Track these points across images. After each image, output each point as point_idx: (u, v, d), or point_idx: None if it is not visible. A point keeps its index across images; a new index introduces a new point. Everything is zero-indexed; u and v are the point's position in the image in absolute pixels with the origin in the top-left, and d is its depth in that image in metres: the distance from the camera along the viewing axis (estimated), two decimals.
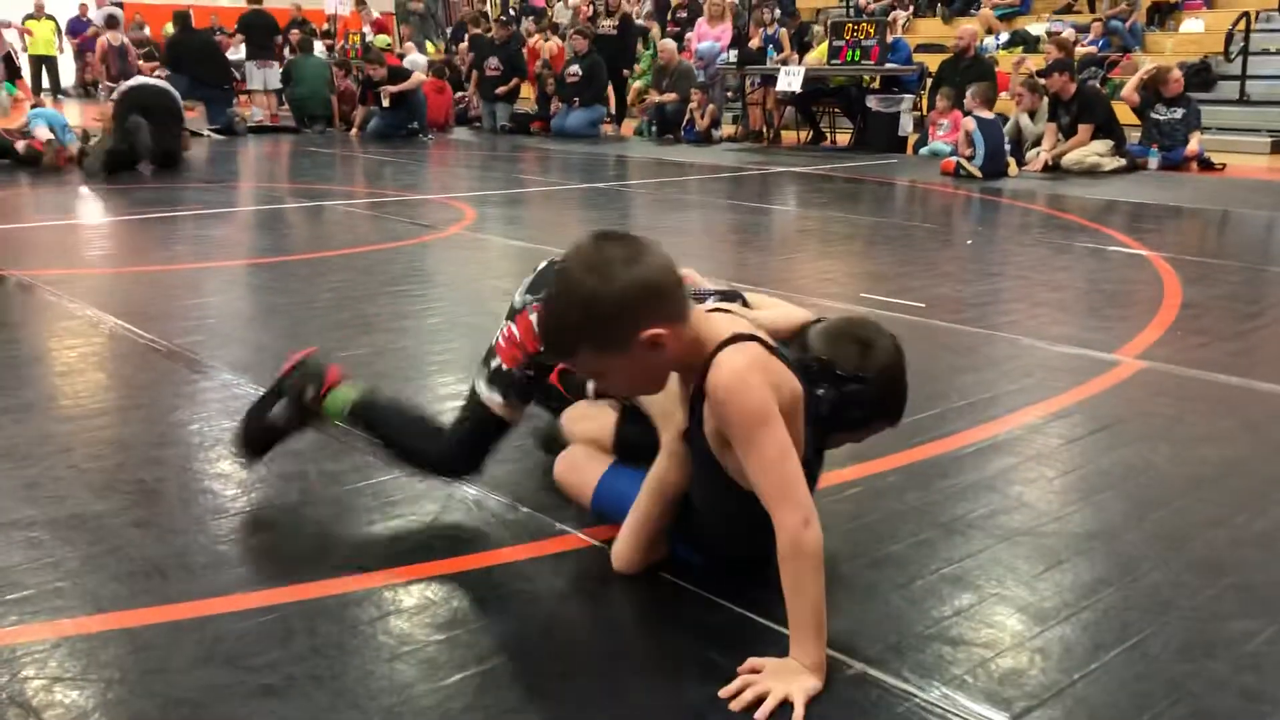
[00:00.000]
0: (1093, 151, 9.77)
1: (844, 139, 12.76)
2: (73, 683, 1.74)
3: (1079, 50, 12.73)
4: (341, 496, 2.48)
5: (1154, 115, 10.28)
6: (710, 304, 2.13)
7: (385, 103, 13.15)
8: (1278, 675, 1.80)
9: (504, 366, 2.24)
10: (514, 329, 2.24)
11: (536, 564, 2.17)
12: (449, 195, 7.94)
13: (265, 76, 14.67)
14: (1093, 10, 14.86)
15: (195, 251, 5.77)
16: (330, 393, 2.41)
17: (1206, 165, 10.14)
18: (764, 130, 13.30)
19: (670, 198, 8.42)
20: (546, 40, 15.55)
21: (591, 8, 16.93)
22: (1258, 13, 12.99)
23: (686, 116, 13.23)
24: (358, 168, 10.48)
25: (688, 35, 15.17)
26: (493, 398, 2.25)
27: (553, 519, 2.34)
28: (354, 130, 13.71)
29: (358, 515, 2.39)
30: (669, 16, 16.63)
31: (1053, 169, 9.79)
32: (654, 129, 13.73)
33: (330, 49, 17.26)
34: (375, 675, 1.77)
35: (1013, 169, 9.58)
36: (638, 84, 14.55)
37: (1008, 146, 9.74)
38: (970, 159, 9.34)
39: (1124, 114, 10.37)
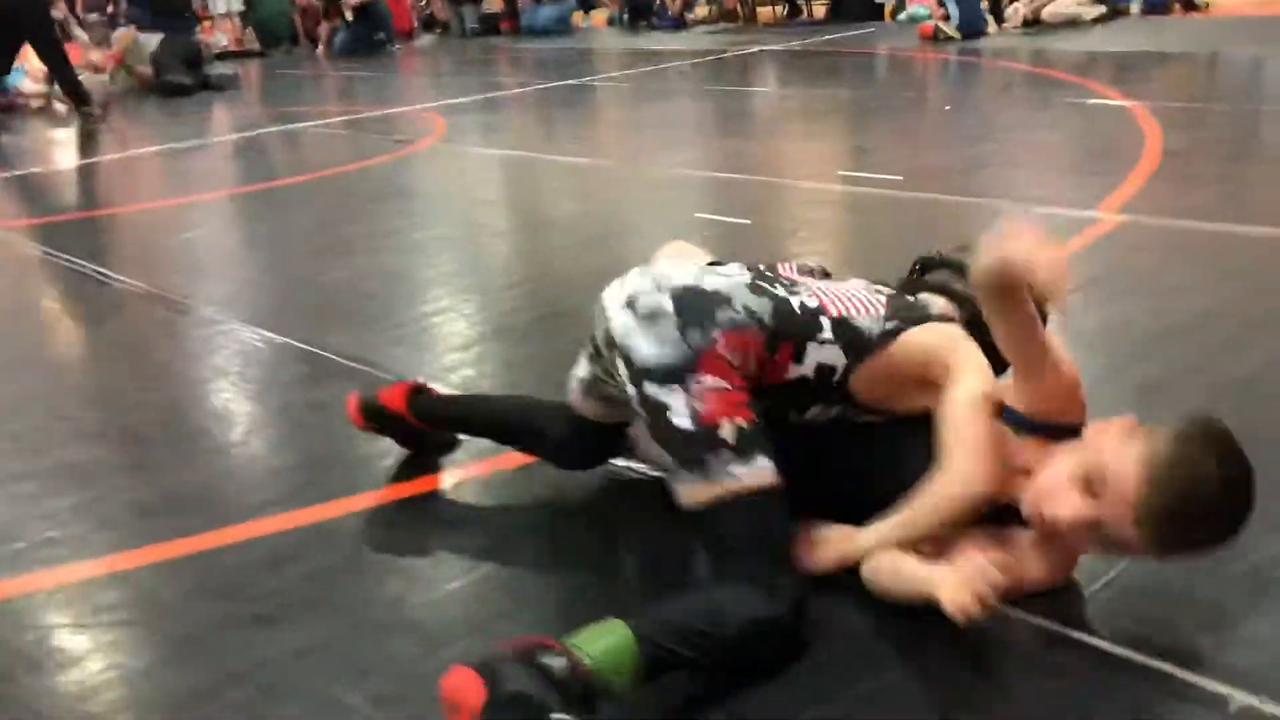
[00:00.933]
0: (1072, 1, 9.56)
1: (820, 11, 12.48)
2: (72, 629, 1.78)
3: None
4: (327, 424, 2.49)
5: None
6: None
7: (348, 16, 12.86)
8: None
9: (738, 421, 1.60)
10: (704, 379, 1.62)
11: (521, 472, 2.19)
12: (420, 106, 7.81)
13: (228, 1, 14.35)
14: None
15: (168, 187, 5.72)
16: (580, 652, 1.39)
17: (1190, 5, 9.91)
18: (738, 9, 13.00)
19: (647, 88, 8.27)
20: None
21: None
22: None
23: (658, 1, 12.92)
24: (327, 86, 10.30)
25: None
26: (745, 472, 1.59)
27: None
28: (321, 48, 13.43)
29: (344, 442, 2.41)
30: None
31: (1033, 24, 9.58)
32: (625, 18, 13.43)
33: None
34: (367, 594, 1.81)
35: (992, 27, 9.39)
36: None
37: (985, 4, 9.52)
38: (946, 20, 9.15)
39: None
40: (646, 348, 1.66)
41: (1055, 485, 1.53)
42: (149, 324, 3.35)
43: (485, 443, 2.25)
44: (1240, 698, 1.41)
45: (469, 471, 2.21)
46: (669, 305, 1.68)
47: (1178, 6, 9.94)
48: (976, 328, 1.69)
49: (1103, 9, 9.64)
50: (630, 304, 1.71)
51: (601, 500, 2.07)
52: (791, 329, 1.71)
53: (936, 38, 9.12)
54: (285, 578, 1.87)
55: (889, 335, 1.73)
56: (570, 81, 8.85)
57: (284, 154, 6.70)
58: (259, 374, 2.85)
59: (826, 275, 2.00)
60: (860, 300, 1.78)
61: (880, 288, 1.87)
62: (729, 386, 1.62)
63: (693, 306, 1.68)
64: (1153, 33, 8.64)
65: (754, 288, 1.74)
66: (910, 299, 1.85)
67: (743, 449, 1.59)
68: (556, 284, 3.47)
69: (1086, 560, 1.67)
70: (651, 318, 1.67)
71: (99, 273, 3.89)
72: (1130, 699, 1.45)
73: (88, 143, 7.50)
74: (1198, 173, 4.16)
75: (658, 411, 1.63)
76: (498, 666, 1.32)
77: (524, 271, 3.77)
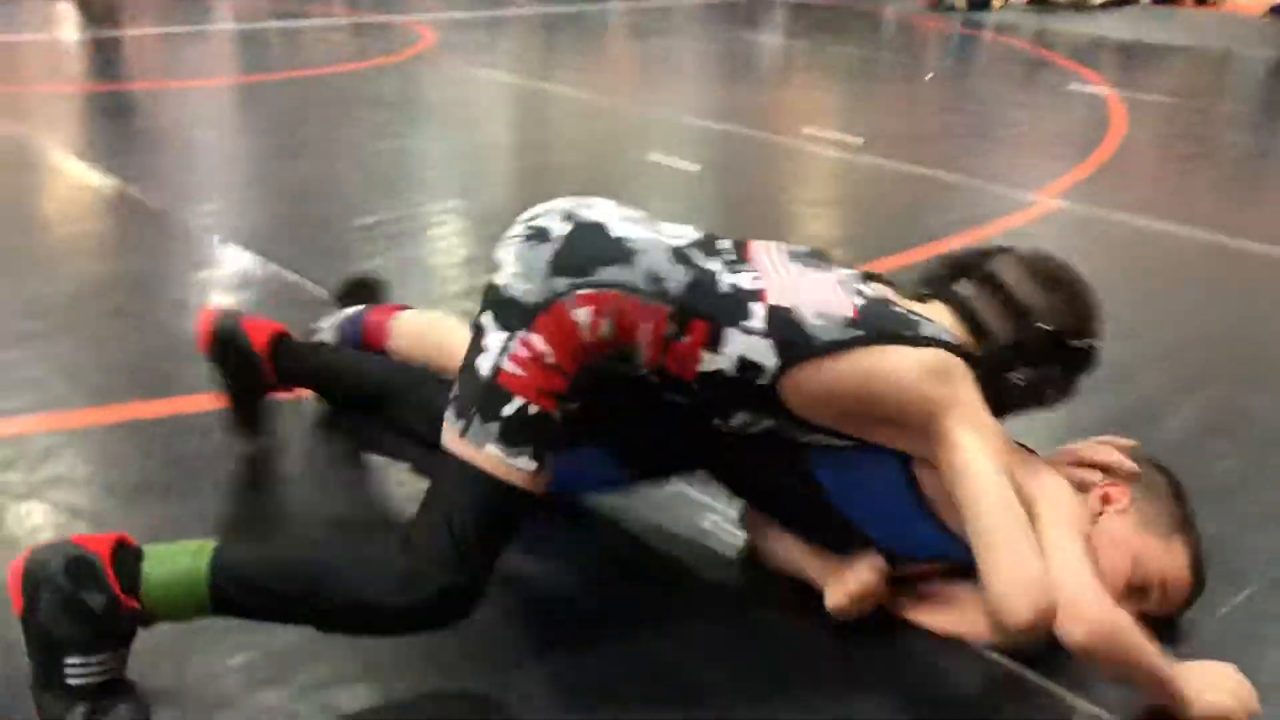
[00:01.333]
0: None
1: None
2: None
3: None
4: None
5: None
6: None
7: None
8: None
9: (530, 407, 1.38)
10: (534, 339, 1.39)
11: None
12: (409, 16, 7.78)
13: None
14: None
15: (145, 72, 5.72)
16: (142, 574, 1.31)
17: (1200, 0, 9.87)
18: None
19: (647, 25, 8.24)
20: None
21: None
22: None
23: None
24: None
25: None
26: (512, 461, 1.37)
27: None
28: None
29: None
30: None
31: (1041, 1, 9.53)
32: None
33: None
34: (285, 469, 1.90)
35: (997, 1, 9.34)
36: None
37: None
38: None
39: None
40: (510, 266, 1.45)
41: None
42: (94, 206, 3.40)
43: None
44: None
45: None
46: (559, 233, 1.44)
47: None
48: (991, 369, 1.47)
49: None
50: (531, 218, 1.50)
51: None
52: (707, 307, 1.42)
53: (941, 5, 9.08)
54: (198, 448, 1.95)
55: (840, 345, 1.41)
56: (572, 8, 8.80)
57: (250, 53, 6.67)
58: (195, 269, 2.91)
59: (823, 260, 1.57)
60: (825, 296, 1.46)
61: (872, 286, 1.54)
62: (551, 362, 1.39)
63: (580, 248, 1.43)
64: (1156, 23, 8.61)
65: (678, 254, 1.46)
66: (903, 310, 1.49)
67: (512, 437, 1.37)
68: (493, 208, 3.53)
69: None
70: (535, 238, 1.45)
71: (55, 152, 3.94)
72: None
73: (82, 18, 7.46)
74: (1142, 168, 4.22)
75: (476, 338, 1.44)
76: (41, 581, 1.26)
77: (463, 190, 3.82)
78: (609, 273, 1.41)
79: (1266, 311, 2.77)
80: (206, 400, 1.99)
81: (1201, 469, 2.01)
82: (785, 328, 1.42)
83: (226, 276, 2.84)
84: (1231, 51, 7.43)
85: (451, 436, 1.39)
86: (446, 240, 3.22)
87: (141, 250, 3.00)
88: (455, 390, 1.43)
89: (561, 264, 1.41)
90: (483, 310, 1.45)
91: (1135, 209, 3.60)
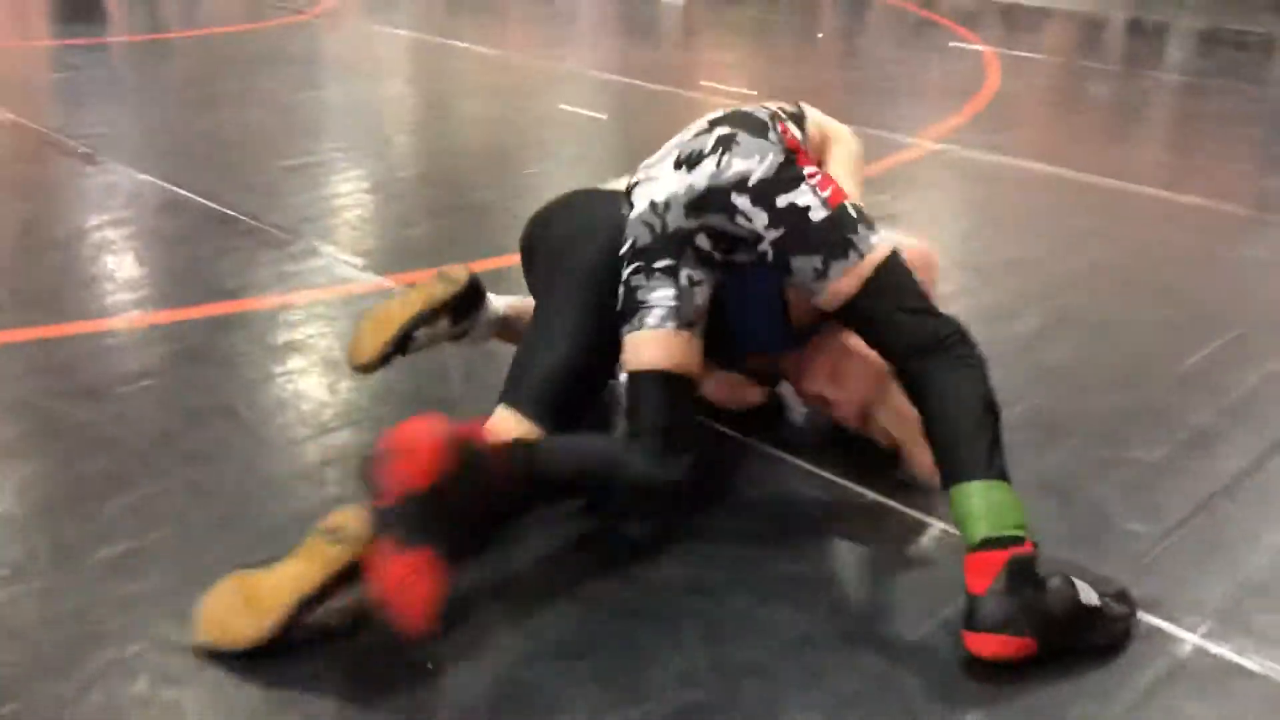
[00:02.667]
0: None
1: None
2: None
3: None
4: (174, 248, 2.74)
5: None
6: None
7: None
8: None
9: (847, 200, 1.69)
10: (804, 168, 1.68)
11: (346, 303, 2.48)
12: None
13: None
14: None
15: (55, 28, 5.73)
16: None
17: None
18: None
19: None
20: None
21: None
22: None
23: None
24: None
25: None
26: (878, 239, 1.67)
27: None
28: None
29: (185, 261, 2.66)
30: None
31: None
32: None
33: None
34: (188, 379, 2.10)
35: None
36: None
37: None
38: None
39: None
40: (750, 165, 1.66)
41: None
42: (14, 150, 3.52)
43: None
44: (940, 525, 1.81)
45: (318, 294, 2.50)
46: (726, 129, 1.70)
47: None
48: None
49: None
50: (688, 159, 1.71)
51: None
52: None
53: None
54: (117, 364, 2.15)
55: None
56: None
57: (171, 7, 6.70)
58: (117, 202, 3.07)
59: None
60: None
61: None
62: (818, 169, 1.69)
63: (743, 120, 1.71)
64: None
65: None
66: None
67: (867, 219, 1.68)
68: (409, 151, 3.73)
69: None
70: (727, 143, 1.68)
71: None
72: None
73: None
74: (1014, 116, 4.59)
75: (798, 215, 1.64)
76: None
77: (379, 136, 4.01)
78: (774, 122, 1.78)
79: (1108, 230, 3.14)
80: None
81: (1042, 354, 2.36)
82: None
83: (155, 208, 3.01)
84: (1098, 14, 7.90)
85: (850, 278, 1.63)
86: (367, 180, 3.41)
87: (67, 187, 3.15)
88: (814, 265, 1.64)
89: (757, 131, 1.71)
90: (774, 215, 1.65)
91: (1002, 150, 3.96)
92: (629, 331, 1.70)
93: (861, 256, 1.64)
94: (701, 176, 1.69)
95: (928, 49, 6.16)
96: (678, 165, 1.72)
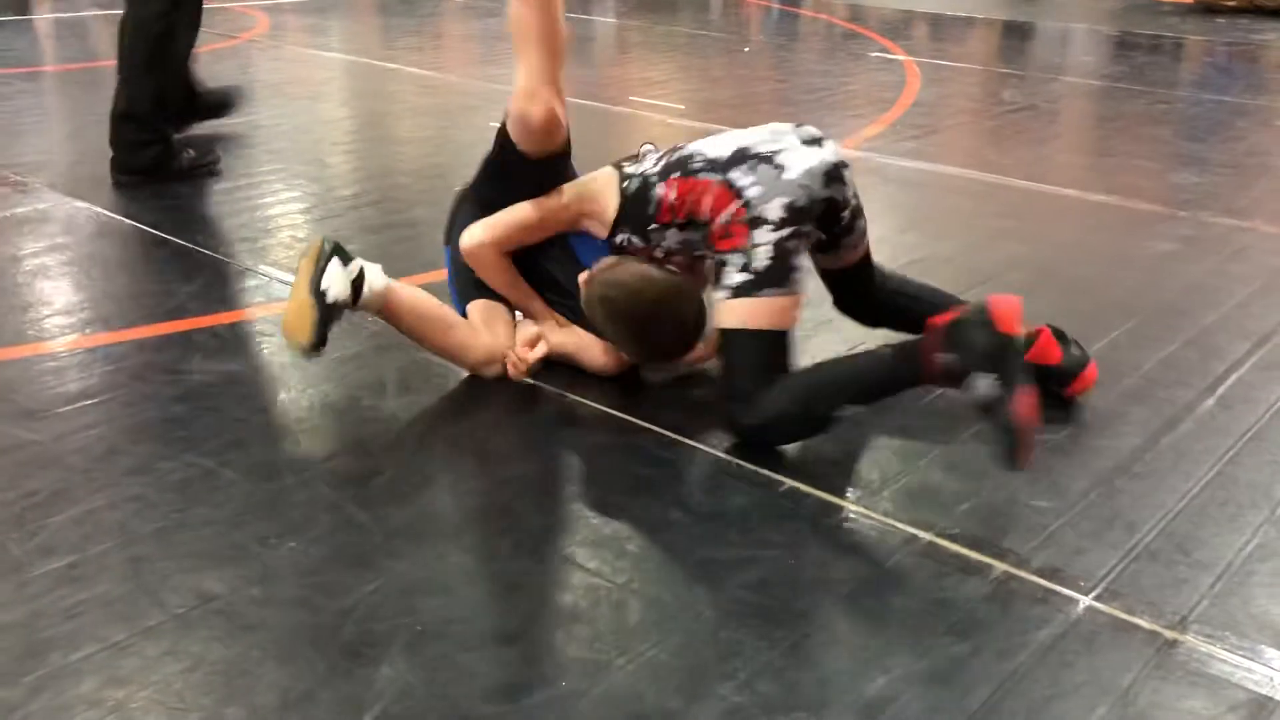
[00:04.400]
0: None
1: None
2: None
3: None
4: (110, 274, 2.78)
5: None
6: None
7: None
8: None
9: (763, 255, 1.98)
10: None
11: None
12: (241, 2, 7.85)
13: None
14: None
15: None
16: None
17: None
18: None
19: (482, 5, 8.48)
20: None
21: None
22: None
23: None
24: None
25: None
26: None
27: None
28: None
29: (122, 285, 2.70)
30: None
31: None
32: None
33: None
34: (136, 392, 2.15)
35: None
36: None
37: None
38: None
39: None
40: (840, 150, 2.12)
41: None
42: None
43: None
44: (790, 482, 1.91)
45: (255, 312, 2.55)
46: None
47: None
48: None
49: None
50: (813, 140, 2.06)
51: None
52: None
53: None
54: (57, 385, 2.19)
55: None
56: None
57: (100, 36, 6.69)
58: (51, 228, 3.09)
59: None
60: None
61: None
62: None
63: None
64: None
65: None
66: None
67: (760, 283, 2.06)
68: (346, 171, 3.79)
69: None
70: (819, 136, 2.09)
71: None
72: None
73: None
74: (930, 122, 4.75)
75: (861, 212, 2.18)
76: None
77: (315, 158, 4.06)
78: None
79: (1023, 229, 3.28)
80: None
81: None
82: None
83: (91, 234, 3.04)
84: (1018, 21, 8.15)
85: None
86: (303, 201, 3.46)
87: (4, 214, 3.17)
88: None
89: None
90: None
91: (921, 155, 4.10)
92: (783, 294, 1.97)
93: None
94: (832, 149, 2.06)
95: (852, 59, 6.32)
96: (807, 143, 2.03)
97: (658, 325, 2.09)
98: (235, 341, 2.42)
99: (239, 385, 2.22)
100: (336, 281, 2.04)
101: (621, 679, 1.43)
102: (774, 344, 1.97)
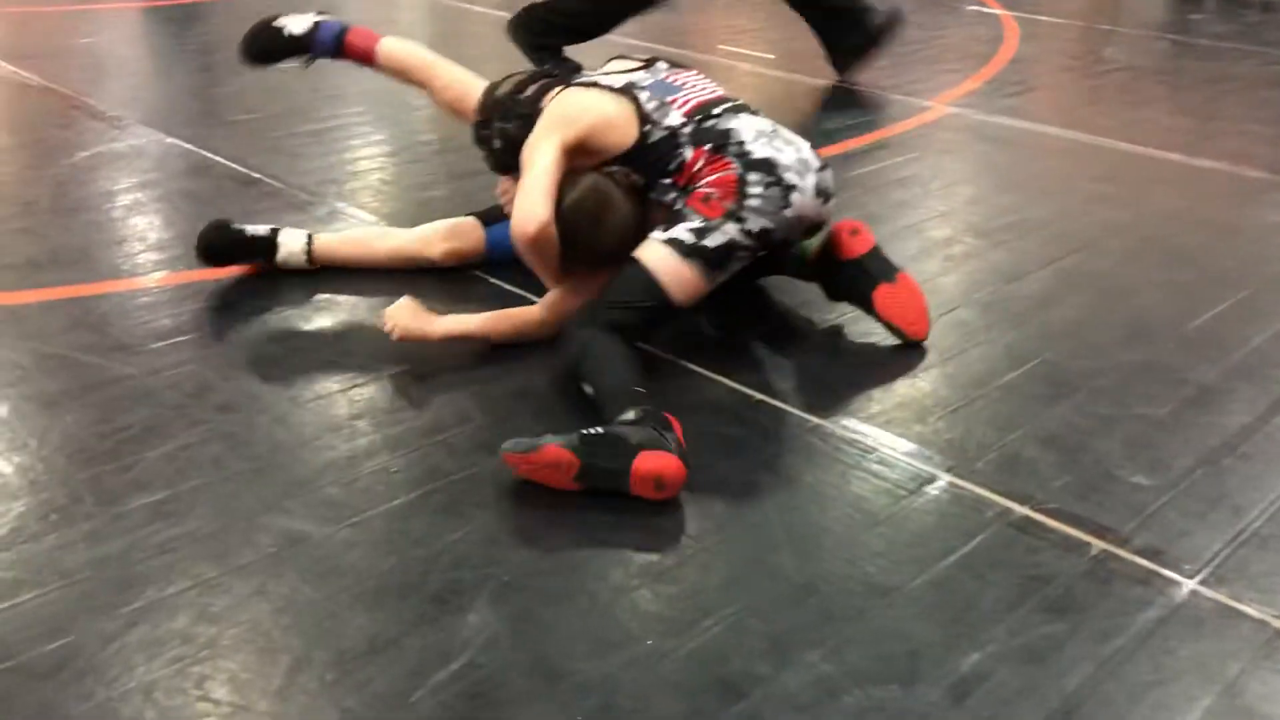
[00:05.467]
0: None
1: None
2: None
3: None
4: (200, 209, 2.80)
5: None
6: None
7: None
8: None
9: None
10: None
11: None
12: None
13: None
14: None
15: None
16: None
17: None
18: None
19: None
20: None
21: None
22: None
23: None
24: None
25: None
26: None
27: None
28: None
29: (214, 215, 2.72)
30: None
31: None
32: None
33: None
34: (221, 328, 2.17)
35: None
36: None
37: None
38: None
39: None
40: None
41: None
42: (46, 114, 3.58)
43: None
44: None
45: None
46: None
47: None
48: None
49: None
50: (825, 190, 2.16)
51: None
52: None
53: None
54: (151, 321, 2.21)
55: None
56: None
57: None
58: (144, 164, 3.13)
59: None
60: None
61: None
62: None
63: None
64: None
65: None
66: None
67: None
68: (422, 118, 3.78)
69: None
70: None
71: (2, 65, 4.08)
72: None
73: None
74: (1029, 79, 4.59)
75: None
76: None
77: (401, 104, 4.05)
78: None
79: (1121, 194, 3.16)
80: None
81: (1049, 314, 2.40)
82: None
83: (183, 171, 3.07)
84: None
85: None
86: (390, 144, 3.46)
87: (97, 150, 3.21)
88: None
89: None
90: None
91: (1017, 114, 3.97)
92: (698, 269, 2.02)
93: None
94: (826, 213, 2.20)
95: (946, 12, 6.13)
96: (817, 194, 2.13)
97: (601, 228, 2.06)
98: (322, 281, 2.43)
99: (326, 326, 2.23)
100: None
101: (708, 640, 1.42)
102: (656, 302, 2.00)
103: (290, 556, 1.55)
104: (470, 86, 2.37)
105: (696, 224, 2.02)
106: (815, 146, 2.22)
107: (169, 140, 3.32)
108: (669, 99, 2.17)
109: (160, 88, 4.07)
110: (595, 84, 2.18)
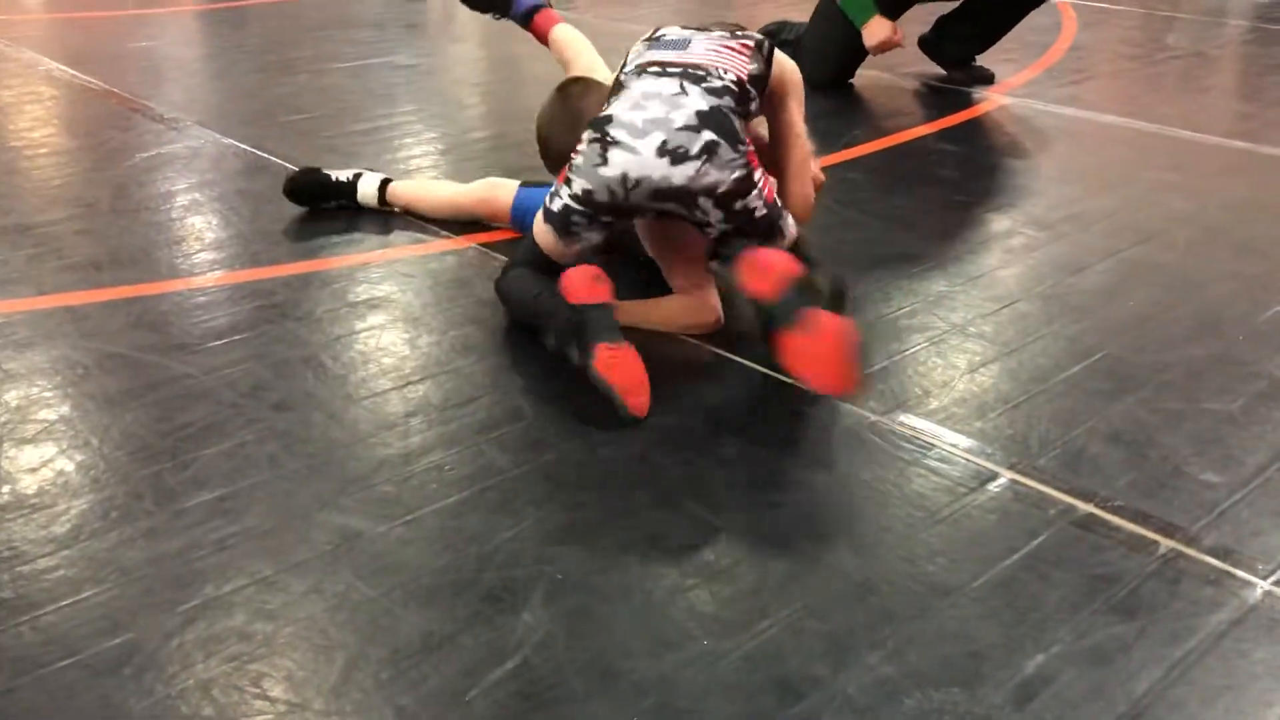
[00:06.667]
0: None
1: None
2: (24, 345, 2.14)
3: None
4: (257, 208, 2.83)
5: None
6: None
7: None
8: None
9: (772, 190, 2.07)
10: (755, 171, 2.01)
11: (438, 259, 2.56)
12: None
13: None
14: None
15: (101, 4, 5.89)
16: None
17: None
18: None
19: None
20: None
21: None
22: None
23: None
24: None
25: None
26: (789, 216, 2.10)
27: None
28: None
29: (271, 221, 2.75)
30: None
31: None
32: None
33: None
34: (281, 332, 2.18)
35: None
36: None
37: None
38: None
39: None
40: (722, 177, 1.94)
41: None
42: (106, 117, 3.64)
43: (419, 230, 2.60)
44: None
45: (397, 253, 2.57)
46: (711, 136, 1.93)
47: None
48: None
49: None
50: (673, 153, 1.93)
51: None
52: None
53: None
54: (210, 321, 2.24)
55: None
56: None
57: None
58: (201, 165, 3.17)
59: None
60: None
61: None
62: (763, 173, 2.03)
63: (722, 126, 1.95)
64: None
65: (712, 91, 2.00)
66: None
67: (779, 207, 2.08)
68: (474, 116, 3.79)
69: None
70: (711, 151, 1.93)
71: (61, 69, 4.15)
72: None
73: None
74: (1088, 68, 4.50)
75: (747, 214, 1.98)
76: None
77: (452, 100, 4.06)
78: (740, 122, 2.09)
79: (1186, 184, 3.08)
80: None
81: (1114, 307, 2.35)
82: None
83: (239, 171, 3.10)
84: None
85: (780, 250, 2.00)
86: (442, 143, 3.47)
87: (156, 152, 3.25)
88: (751, 242, 2.03)
89: (733, 140, 2.00)
90: (728, 214, 2.01)
91: (1077, 103, 3.89)
92: (553, 233, 2.06)
93: (783, 237, 2.06)
94: (680, 176, 1.94)
95: None
96: (661, 153, 1.93)
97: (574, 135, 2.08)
98: (376, 281, 2.44)
99: (381, 325, 2.24)
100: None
101: (765, 641, 1.40)
102: (537, 258, 2.11)
103: (345, 554, 1.55)
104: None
105: (553, 187, 2.07)
106: (865, 139, 2.17)
107: (225, 141, 3.36)
108: (657, 53, 2.12)
109: (216, 89, 4.12)
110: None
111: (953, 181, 3.15)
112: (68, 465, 1.75)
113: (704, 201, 1.96)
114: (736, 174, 1.95)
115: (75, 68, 4.18)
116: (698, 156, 1.93)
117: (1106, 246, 2.65)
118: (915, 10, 4.12)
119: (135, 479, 1.72)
